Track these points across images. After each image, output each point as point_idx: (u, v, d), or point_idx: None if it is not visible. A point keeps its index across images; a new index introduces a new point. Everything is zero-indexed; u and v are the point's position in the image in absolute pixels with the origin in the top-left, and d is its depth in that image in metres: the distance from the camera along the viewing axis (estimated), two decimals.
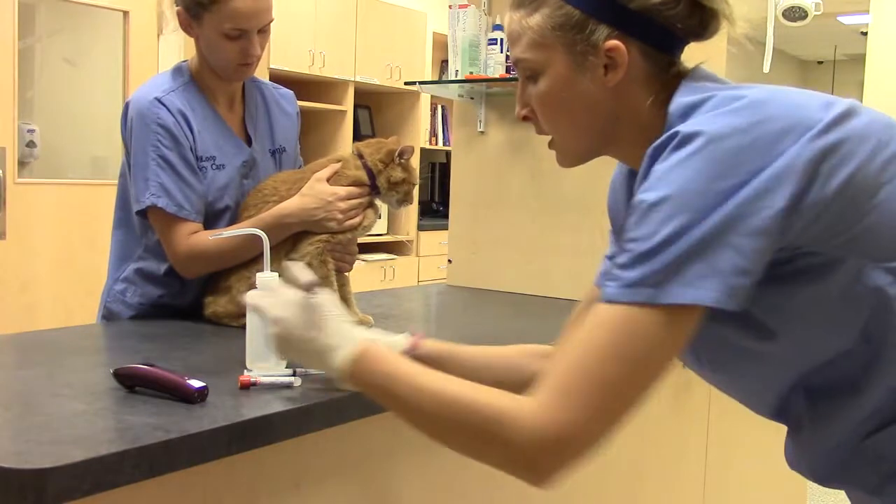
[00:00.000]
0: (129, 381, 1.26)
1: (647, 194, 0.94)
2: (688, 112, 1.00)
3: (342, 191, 1.74)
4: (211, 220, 1.82)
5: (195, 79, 1.85)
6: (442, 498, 1.52)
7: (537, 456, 0.94)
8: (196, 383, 1.21)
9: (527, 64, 1.10)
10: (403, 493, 1.49)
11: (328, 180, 1.76)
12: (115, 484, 1.00)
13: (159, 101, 1.76)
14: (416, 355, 1.19)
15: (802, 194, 0.91)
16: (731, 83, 1.08)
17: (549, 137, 1.15)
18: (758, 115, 0.94)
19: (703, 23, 1.08)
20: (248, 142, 1.90)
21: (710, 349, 1.07)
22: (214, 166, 1.82)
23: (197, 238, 1.77)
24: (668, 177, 0.93)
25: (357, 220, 1.76)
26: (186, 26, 1.80)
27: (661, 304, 0.91)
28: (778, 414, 1.10)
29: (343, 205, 1.74)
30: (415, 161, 1.81)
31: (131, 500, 1.07)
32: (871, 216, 0.95)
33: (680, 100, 1.03)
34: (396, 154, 1.76)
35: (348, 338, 1.09)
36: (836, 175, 0.93)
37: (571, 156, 1.15)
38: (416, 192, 1.83)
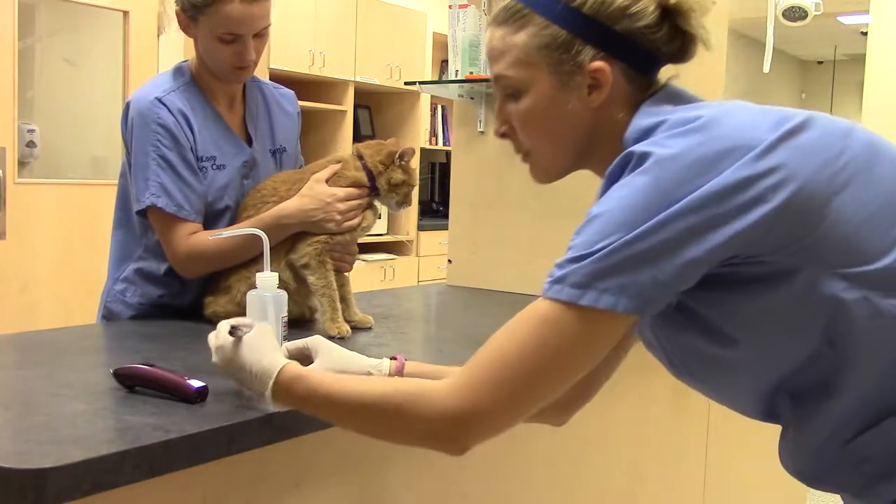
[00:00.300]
0: (129, 381, 1.26)
1: (594, 208, 0.99)
2: (641, 137, 1.03)
3: (341, 192, 1.74)
4: (211, 220, 1.82)
5: (196, 79, 1.85)
6: (441, 498, 1.52)
7: (445, 431, 1.00)
8: (196, 383, 1.21)
9: (509, 82, 1.12)
10: (403, 493, 1.49)
11: (327, 181, 1.76)
12: (115, 484, 1.01)
13: (160, 100, 1.76)
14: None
15: (738, 213, 0.93)
16: (695, 100, 1.10)
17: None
18: (704, 136, 0.97)
19: (683, 47, 1.11)
20: (249, 142, 1.90)
21: (682, 357, 1.10)
22: (215, 166, 1.82)
23: (196, 238, 1.77)
24: (614, 194, 0.97)
25: (355, 221, 1.76)
26: (185, 27, 1.80)
27: (580, 305, 0.95)
28: (768, 416, 1.11)
29: (341, 206, 1.74)
30: (415, 161, 1.82)
31: (131, 500, 1.07)
32: (823, 226, 0.96)
33: (636, 123, 1.06)
34: (397, 156, 1.76)
35: (271, 365, 1.14)
36: (779, 192, 0.94)
37: (549, 172, 1.18)
38: (415, 192, 1.83)
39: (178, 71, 1.86)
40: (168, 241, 1.77)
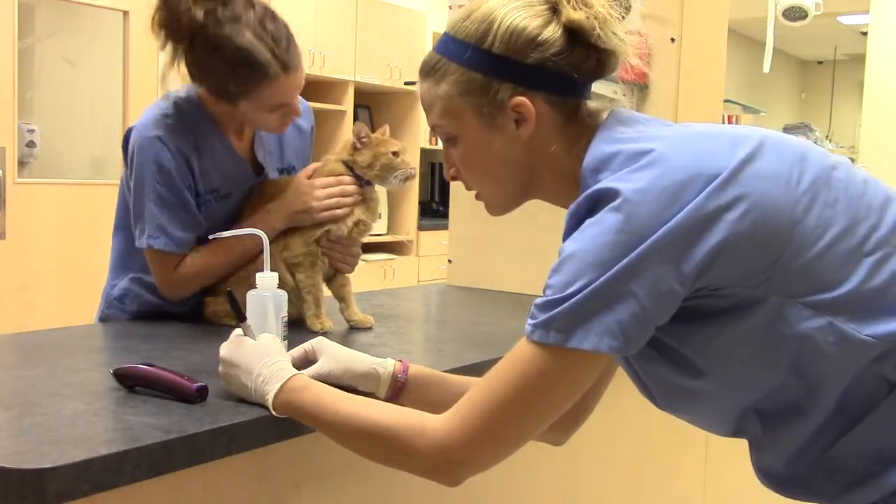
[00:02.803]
0: (129, 381, 1.25)
1: (566, 244, 1.00)
2: (598, 168, 1.04)
3: (318, 181, 1.74)
4: None
5: (204, 104, 1.78)
6: (441, 498, 1.52)
7: (440, 466, 1.06)
8: (196, 383, 1.21)
9: (442, 130, 1.16)
10: (403, 494, 1.49)
11: (309, 178, 1.77)
12: (115, 484, 1.01)
13: (160, 140, 1.70)
14: (404, 379, 1.26)
15: (706, 244, 0.95)
16: (644, 125, 1.10)
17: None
18: (666, 167, 0.98)
19: (600, 63, 1.11)
20: (257, 166, 1.85)
21: (657, 387, 1.11)
22: (219, 198, 1.78)
23: (183, 267, 1.74)
24: (587, 231, 0.99)
25: (340, 211, 1.74)
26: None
27: (565, 347, 0.97)
28: (735, 434, 1.13)
29: (319, 192, 1.73)
30: (414, 159, 1.81)
31: (131, 500, 1.07)
32: (786, 255, 0.96)
33: (592, 153, 1.07)
34: (354, 139, 1.75)
35: (280, 372, 1.18)
36: (745, 221, 0.95)
37: (498, 207, 1.21)
38: (415, 190, 1.82)
39: (187, 100, 1.77)
40: (158, 272, 1.76)
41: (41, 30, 4.37)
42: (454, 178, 1.20)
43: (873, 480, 1.01)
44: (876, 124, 4.87)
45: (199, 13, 1.62)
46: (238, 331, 1.25)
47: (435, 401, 1.20)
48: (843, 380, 0.99)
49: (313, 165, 1.80)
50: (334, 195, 1.74)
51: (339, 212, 1.74)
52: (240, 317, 1.27)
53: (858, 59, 5.67)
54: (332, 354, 1.27)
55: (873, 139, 4.87)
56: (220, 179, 1.78)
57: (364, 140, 1.75)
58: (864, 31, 5.91)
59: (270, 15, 1.71)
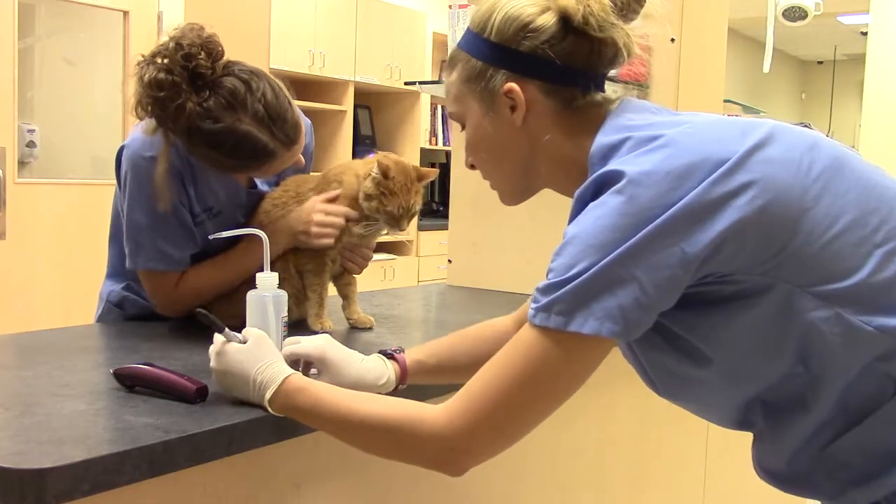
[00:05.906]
0: (129, 381, 1.26)
1: (570, 227, 1.00)
2: (607, 154, 1.04)
3: (321, 206, 1.71)
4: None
5: None
6: (442, 498, 1.52)
7: (442, 456, 1.05)
8: (196, 383, 1.21)
9: (454, 117, 1.20)
10: (403, 494, 1.49)
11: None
12: (115, 484, 1.01)
13: (156, 161, 1.66)
14: (404, 388, 1.28)
15: (712, 230, 0.94)
16: (654, 114, 1.10)
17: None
18: (673, 150, 0.97)
19: (594, 52, 1.11)
20: (250, 182, 1.84)
21: (659, 376, 1.11)
22: (212, 216, 1.76)
23: (183, 284, 1.73)
24: (590, 213, 0.98)
25: (330, 240, 1.70)
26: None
27: (566, 331, 0.96)
28: (741, 425, 1.12)
29: (318, 217, 1.69)
30: (414, 160, 1.78)
31: (131, 500, 1.07)
32: (795, 243, 0.96)
33: (600, 141, 1.07)
34: (375, 173, 1.69)
35: (275, 374, 1.17)
36: (753, 208, 0.94)
37: (509, 195, 1.23)
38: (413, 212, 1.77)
39: None
40: (157, 291, 1.74)
41: (41, 30, 4.37)
42: (473, 167, 1.23)
43: (878, 478, 1.00)
44: (876, 124, 4.87)
45: (194, 106, 1.55)
46: (221, 337, 1.23)
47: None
48: (848, 374, 0.99)
49: (334, 193, 1.75)
50: (331, 224, 1.70)
51: (328, 241, 1.71)
52: (218, 329, 1.24)
53: (858, 59, 5.67)
54: (335, 376, 1.26)
55: (873, 139, 4.87)
56: (214, 197, 1.75)
57: (375, 176, 1.69)
58: (864, 31, 5.91)
59: (266, 84, 1.62)
